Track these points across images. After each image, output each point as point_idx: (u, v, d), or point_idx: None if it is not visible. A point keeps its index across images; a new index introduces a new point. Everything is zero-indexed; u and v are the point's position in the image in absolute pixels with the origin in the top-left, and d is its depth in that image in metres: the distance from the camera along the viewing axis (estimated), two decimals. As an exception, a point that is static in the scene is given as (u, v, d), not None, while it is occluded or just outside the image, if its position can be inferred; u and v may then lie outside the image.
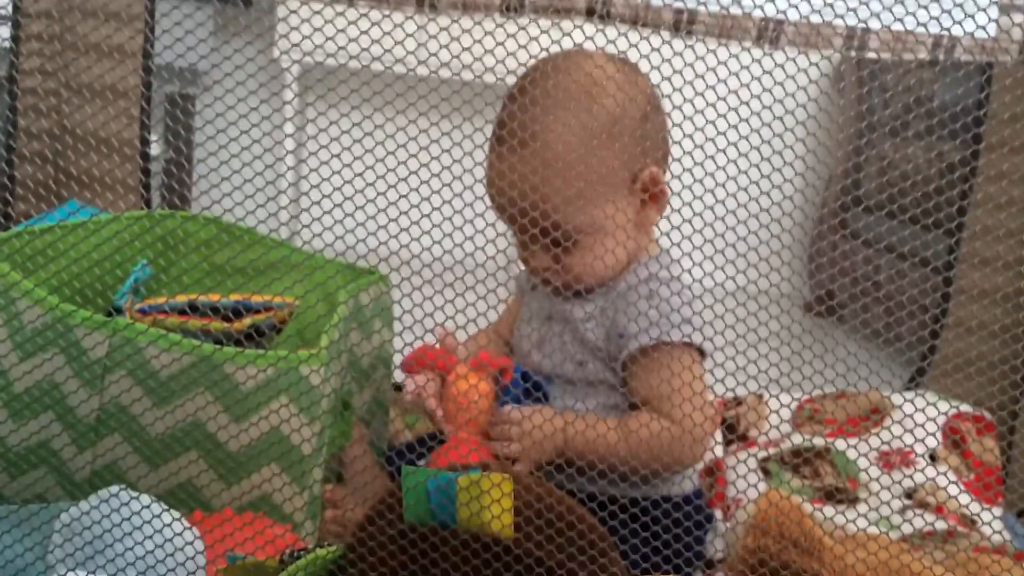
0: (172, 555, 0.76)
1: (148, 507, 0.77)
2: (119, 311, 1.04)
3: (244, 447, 0.90)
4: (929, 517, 1.04)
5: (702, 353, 0.98)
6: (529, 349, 1.05)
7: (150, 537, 0.76)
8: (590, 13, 1.14)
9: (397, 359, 1.19)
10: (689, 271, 0.99)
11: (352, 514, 0.98)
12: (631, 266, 1.01)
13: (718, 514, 1.07)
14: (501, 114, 1.00)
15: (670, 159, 1.01)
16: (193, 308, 1.02)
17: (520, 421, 0.95)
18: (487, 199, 1.01)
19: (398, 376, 1.19)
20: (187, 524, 0.79)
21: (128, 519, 0.76)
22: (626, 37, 0.96)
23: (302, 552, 0.80)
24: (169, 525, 0.77)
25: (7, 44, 1.23)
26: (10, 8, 1.20)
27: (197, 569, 0.78)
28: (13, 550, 0.79)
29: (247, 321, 1.04)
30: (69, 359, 0.90)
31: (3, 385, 0.91)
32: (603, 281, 1.00)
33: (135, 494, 0.78)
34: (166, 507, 0.79)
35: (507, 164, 0.96)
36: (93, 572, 0.74)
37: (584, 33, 1.07)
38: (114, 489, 0.78)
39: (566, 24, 1.12)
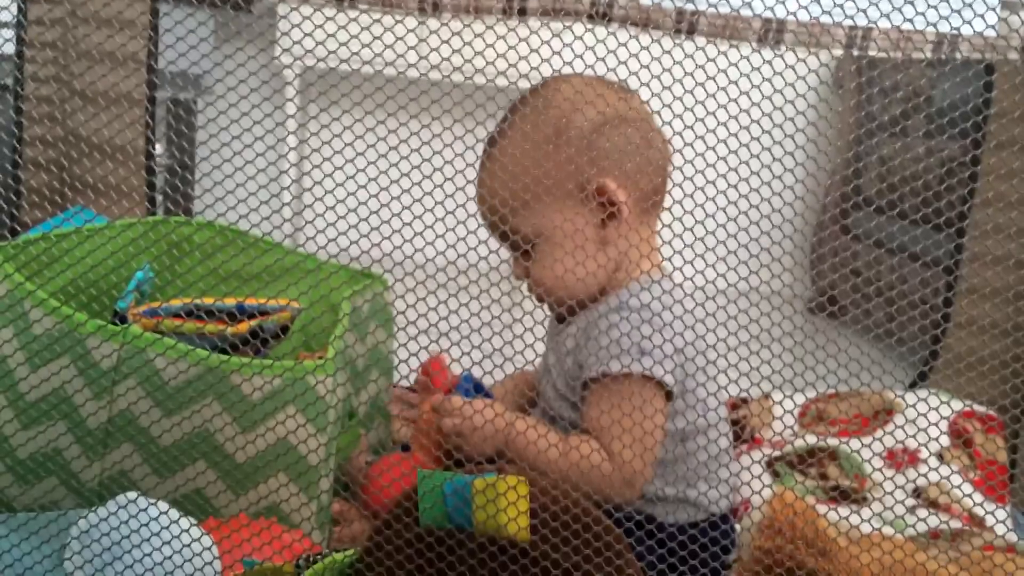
0: (189, 561, 0.76)
1: (165, 513, 0.77)
2: (123, 314, 1.03)
3: (252, 458, 0.89)
4: (941, 516, 1.04)
5: (661, 385, 0.95)
6: (543, 389, 1.06)
7: (167, 543, 0.75)
8: (592, 16, 1.14)
9: (396, 362, 1.18)
10: (682, 290, 0.98)
11: (360, 526, 0.97)
12: (611, 292, 1.00)
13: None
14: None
15: (648, 176, 0.99)
16: (189, 313, 1.02)
17: (461, 405, 0.97)
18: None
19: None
20: (202, 530, 0.79)
21: (145, 525, 0.76)
22: (625, 48, 0.95)
23: (318, 557, 0.80)
24: (186, 531, 0.77)
25: (12, 50, 1.22)
26: (14, 13, 1.20)
27: (213, 575, 0.78)
28: (31, 557, 0.78)
29: (249, 324, 1.03)
30: (80, 368, 0.89)
31: (15, 396, 0.90)
32: (574, 295, 1.00)
33: (151, 500, 0.78)
34: (181, 513, 0.79)
35: (481, 175, 1.03)
36: (110, 579, 0.74)
37: (584, 39, 1.07)
38: (131, 495, 0.78)
39: (570, 26, 1.11)
